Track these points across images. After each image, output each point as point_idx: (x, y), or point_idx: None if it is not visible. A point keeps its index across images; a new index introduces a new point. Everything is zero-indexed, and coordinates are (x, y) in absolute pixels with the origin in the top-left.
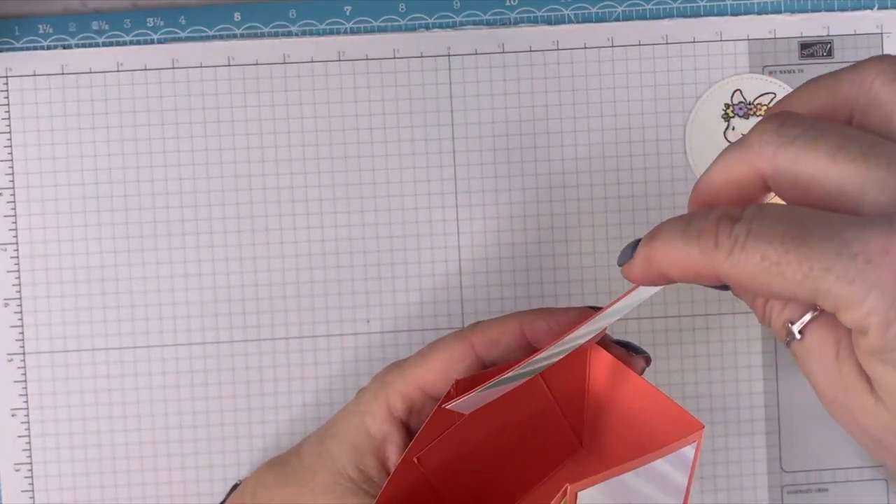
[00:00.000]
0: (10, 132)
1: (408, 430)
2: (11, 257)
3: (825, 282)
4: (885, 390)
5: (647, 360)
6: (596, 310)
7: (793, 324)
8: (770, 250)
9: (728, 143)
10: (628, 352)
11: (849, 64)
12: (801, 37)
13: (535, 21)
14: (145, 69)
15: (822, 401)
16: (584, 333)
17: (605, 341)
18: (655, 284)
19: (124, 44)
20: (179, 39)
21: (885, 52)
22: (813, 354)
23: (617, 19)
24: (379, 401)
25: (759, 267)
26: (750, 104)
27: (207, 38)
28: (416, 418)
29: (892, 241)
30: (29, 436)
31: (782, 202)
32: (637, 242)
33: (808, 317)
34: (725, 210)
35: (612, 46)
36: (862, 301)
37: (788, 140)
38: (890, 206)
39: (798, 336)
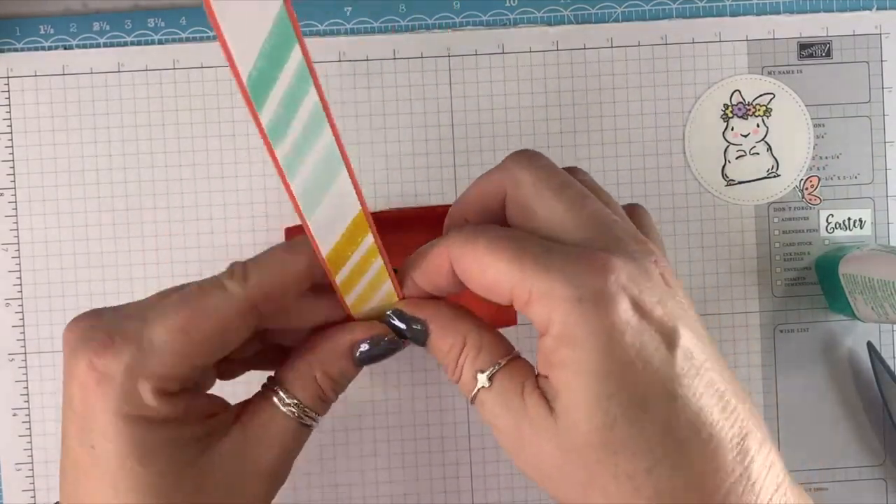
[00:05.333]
0: (10, 132)
1: (196, 392)
2: (12, 257)
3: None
4: (562, 398)
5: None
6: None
7: (483, 372)
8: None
9: (727, 144)
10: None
11: (848, 64)
12: (800, 37)
13: (534, 22)
14: (146, 70)
15: (510, 450)
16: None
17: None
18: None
19: (125, 44)
20: (180, 40)
21: (884, 52)
22: (501, 398)
23: (616, 20)
24: (144, 395)
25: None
26: (749, 104)
27: (208, 38)
28: (200, 382)
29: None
30: (30, 435)
31: None
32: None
33: (496, 366)
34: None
35: (612, 47)
36: (551, 288)
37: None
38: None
39: (488, 383)
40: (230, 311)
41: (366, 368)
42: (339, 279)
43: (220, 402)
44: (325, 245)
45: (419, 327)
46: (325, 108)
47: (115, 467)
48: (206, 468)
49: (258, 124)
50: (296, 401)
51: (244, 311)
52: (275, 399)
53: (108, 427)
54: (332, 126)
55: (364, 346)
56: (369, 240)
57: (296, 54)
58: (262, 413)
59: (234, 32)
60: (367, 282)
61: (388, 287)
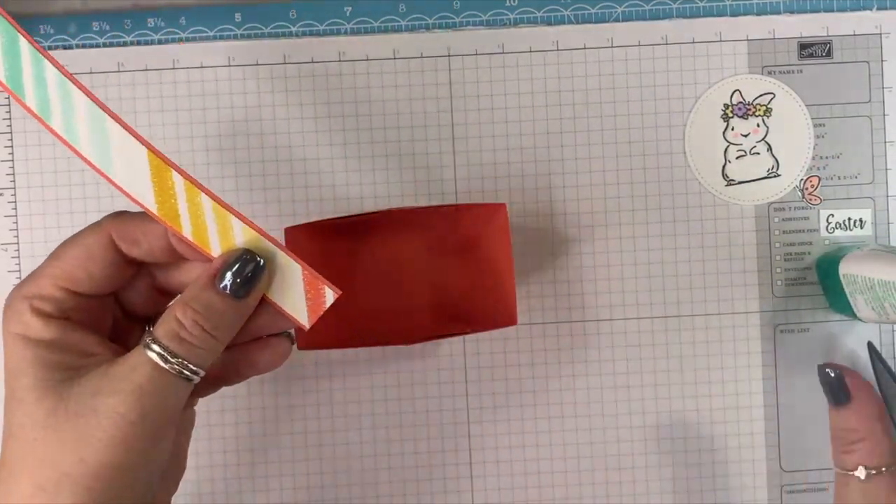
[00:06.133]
0: (10, 132)
1: (73, 324)
2: (12, 257)
3: None
4: None
5: (290, 339)
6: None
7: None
8: None
9: (727, 143)
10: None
11: (848, 64)
12: (801, 37)
13: (534, 21)
14: (146, 69)
15: None
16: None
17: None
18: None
19: (125, 44)
20: (180, 40)
21: (884, 52)
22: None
23: (617, 20)
24: (23, 315)
25: None
26: (749, 104)
27: (208, 38)
28: (76, 315)
29: None
30: None
31: None
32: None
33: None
34: None
35: (612, 47)
36: None
37: None
38: None
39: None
40: (90, 238)
41: (364, 368)
42: (187, 233)
43: (105, 346)
44: (146, 199)
45: None
46: (64, 72)
47: (2, 381)
48: (65, 394)
49: (29, 110)
50: (152, 337)
51: (103, 242)
52: (142, 342)
53: (3, 346)
54: (77, 84)
55: (226, 275)
56: (179, 179)
57: (23, 44)
58: (130, 356)
59: None
60: (215, 225)
61: (238, 224)
